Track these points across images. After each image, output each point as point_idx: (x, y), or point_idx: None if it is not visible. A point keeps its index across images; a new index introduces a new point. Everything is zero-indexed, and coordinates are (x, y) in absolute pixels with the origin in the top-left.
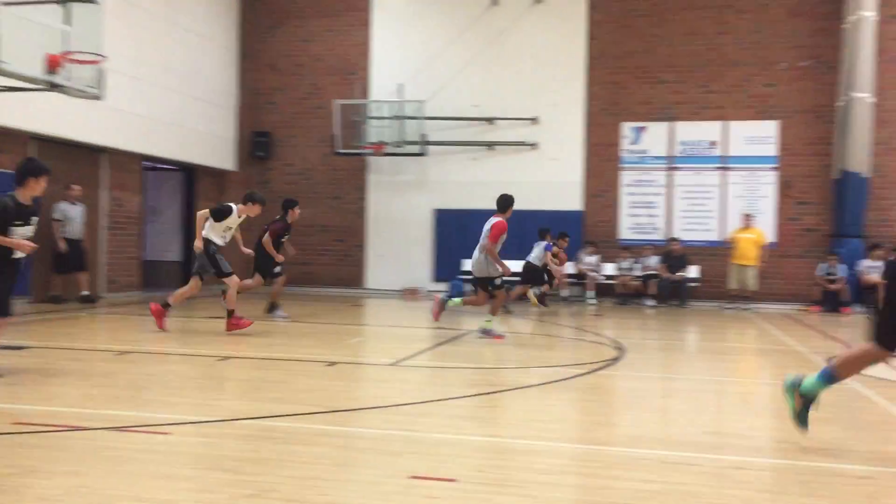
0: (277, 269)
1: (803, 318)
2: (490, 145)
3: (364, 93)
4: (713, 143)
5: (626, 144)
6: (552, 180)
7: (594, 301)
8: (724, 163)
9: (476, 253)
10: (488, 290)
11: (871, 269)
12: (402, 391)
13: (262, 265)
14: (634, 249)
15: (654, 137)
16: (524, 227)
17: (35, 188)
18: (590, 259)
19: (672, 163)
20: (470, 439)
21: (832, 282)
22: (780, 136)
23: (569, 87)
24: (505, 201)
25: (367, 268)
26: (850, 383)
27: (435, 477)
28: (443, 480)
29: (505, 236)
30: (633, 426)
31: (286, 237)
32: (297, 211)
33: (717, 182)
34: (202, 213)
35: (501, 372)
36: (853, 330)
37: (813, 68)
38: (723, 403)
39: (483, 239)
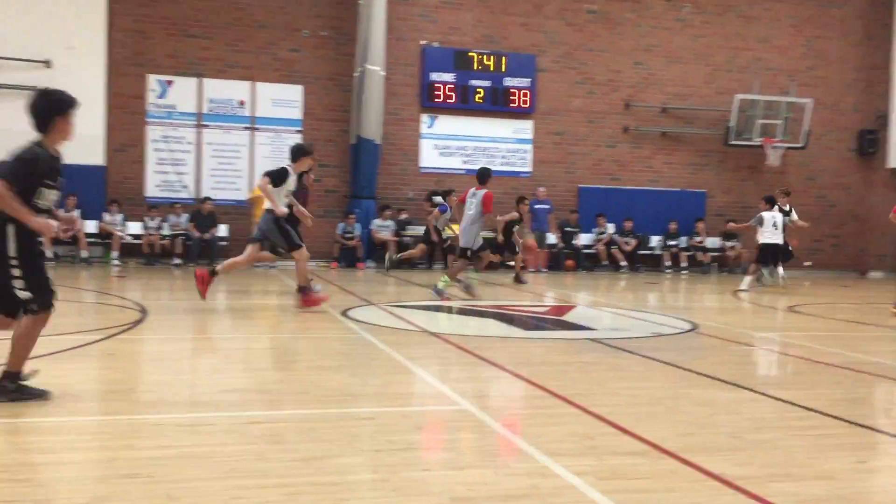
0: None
1: (324, 274)
2: None
3: None
4: (242, 103)
5: (152, 98)
6: None
7: (118, 262)
8: (253, 123)
9: (466, 224)
10: (467, 256)
11: (382, 228)
12: None
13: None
14: (162, 208)
15: (182, 93)
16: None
17: (64, 130)
18: (113, 217)
19: (201, 120)
20: None
21: (350, 239)
22: (304, 101)
23: (87, 29)
24: (485, 173)
25: None
26: (360, 332)
27: None
28: None
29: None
30: (152, 391)
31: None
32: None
33: (246, 142)
34: (264, 180)
35: None
36: (367, 284)
37: (333, 39)
38: (244, 361)
39: (473, 210)
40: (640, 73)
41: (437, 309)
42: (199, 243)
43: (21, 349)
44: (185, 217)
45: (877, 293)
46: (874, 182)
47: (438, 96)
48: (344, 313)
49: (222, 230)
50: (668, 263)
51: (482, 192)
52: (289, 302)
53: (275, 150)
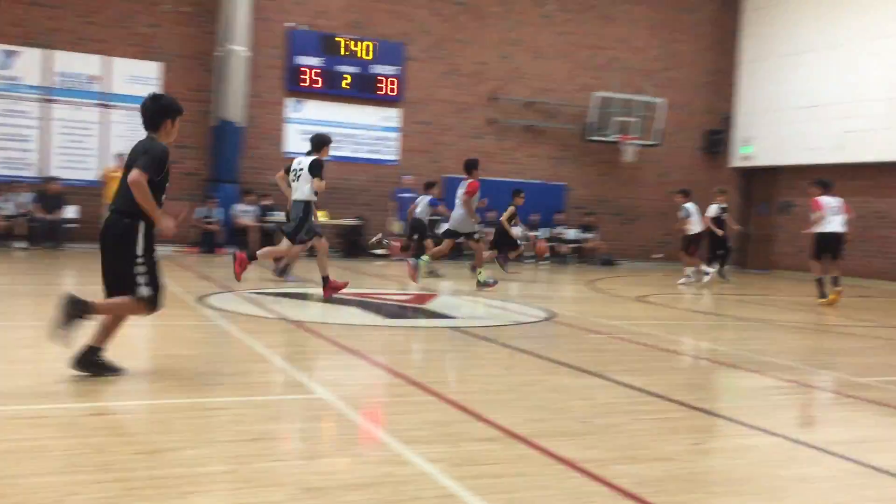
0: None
1: (181, 259)
2: None
3: None
4: (94, 78)
5: None
6: None
7: None
8: (106, 100)
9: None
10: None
11: (244, 213)
12: None
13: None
14: (4, 186)
15: (28, 65)
16: None
17: (171, 133)
18: None
19: (49, 94)
20: None
21: (210, 224)
22: (163, 79)
23: None
24: (469, 164)
25: None
26: (216, 320)
27: None
28: None
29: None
30: None
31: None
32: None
33: (97, 119)
34: (319, 183)
35: None
36: (228, 269)
37: (196, 15)
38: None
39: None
40: (505, 66)
41: (301, 297)
42: (45, 225)
43: (109, 311)
44: (29, 196)
45: (720, 284)
46: (719, 180)
47: (304, 81)
48: (200, 300)
49: (70, 211)
50: (529, 254)
51: (467, 181)
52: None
53: (131, 129)
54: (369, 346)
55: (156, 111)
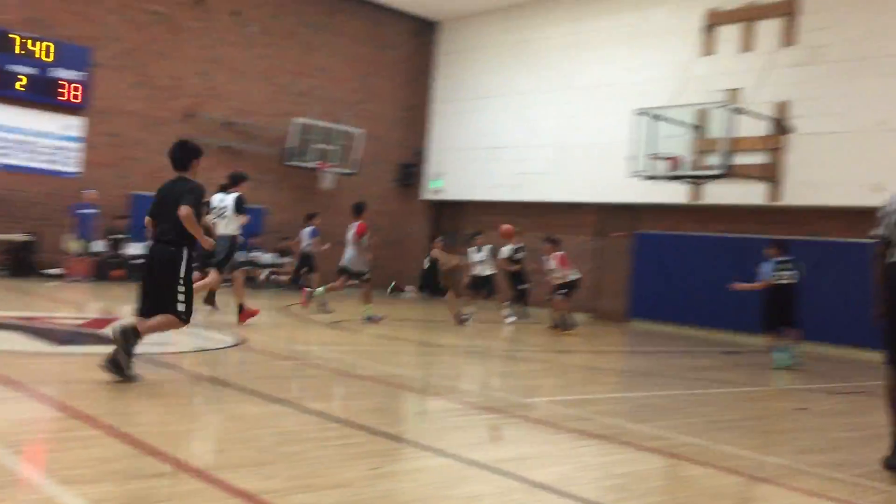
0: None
1: None
2: None
3: None
4: None
5: None
6: None
7: None
8: None
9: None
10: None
11: None
12: None
13: None
14: None
15: None
16: None
17: (197, 169)
18: None
19: None
20: None
21: None
22: None
23: None
24: (356, 208)
25: None
26: None
27: None
28: None
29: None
30: None
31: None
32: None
33: None
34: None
35: None
36: None
37: None
38: None
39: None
40: (204, 83)
41: None
42: None
43: (154, 330)
44: None
45: (410, 310)
46: (412, 211)
47: None
48: None
49: None
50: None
51: (356, 223)
52: None
53: None
54: (33, 375)
55: (186, 153)
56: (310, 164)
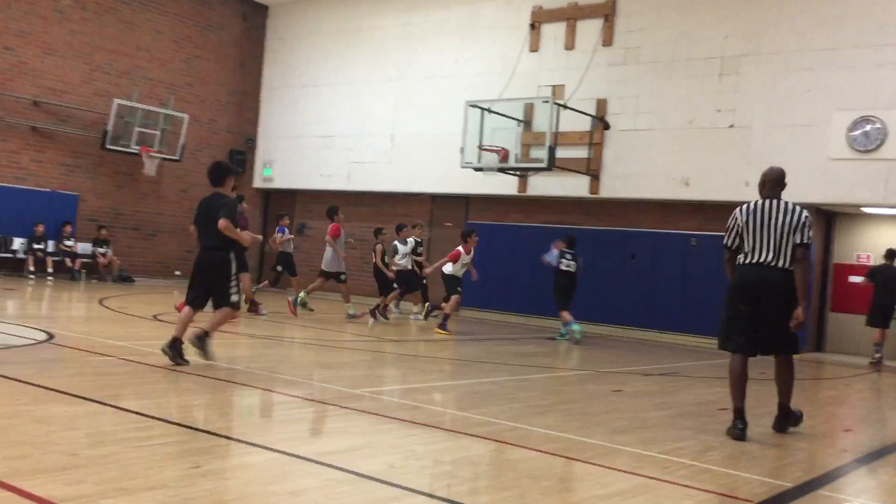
0: None
1: None
2: None
3: None
4: None
5: None
6: None
7: None
8: None
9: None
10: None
11: None
12: None
13: None
14: None
15: None
16: None
17: (231, 185)
18: None
19: None
20: None
21: None
22: None
23: None
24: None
25: None
26: None
27: None
28: None
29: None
30: None
31: None
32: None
33: None
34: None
35: None
36: None
37: None
38: None
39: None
40: (9, 59)
41: None
42: None
43: (219, 325)
44: None
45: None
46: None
47: None
48: None
49: None
50: (31, 269)
51: (331, 225)
52: None
53: None
54: None
55: (221, 171)
56: (131, 149)
